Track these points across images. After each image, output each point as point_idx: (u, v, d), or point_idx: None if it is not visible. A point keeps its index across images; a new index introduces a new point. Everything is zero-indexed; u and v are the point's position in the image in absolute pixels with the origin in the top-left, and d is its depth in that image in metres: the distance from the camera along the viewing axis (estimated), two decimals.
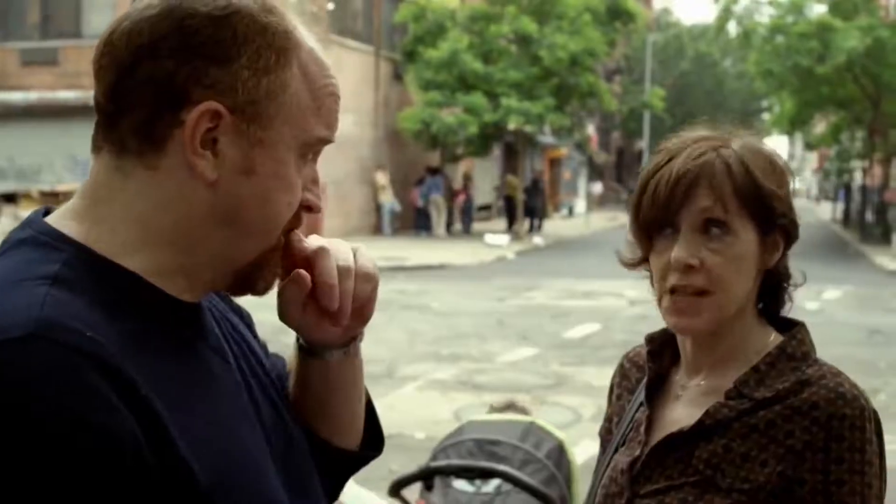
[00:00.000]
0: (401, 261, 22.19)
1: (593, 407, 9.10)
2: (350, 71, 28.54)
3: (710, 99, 52.64)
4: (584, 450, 7.80)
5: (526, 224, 32.51)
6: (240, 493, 1.15)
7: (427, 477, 3.32)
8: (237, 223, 1.18)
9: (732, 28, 37.82)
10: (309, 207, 1.26)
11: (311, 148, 1.24)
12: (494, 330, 13.37)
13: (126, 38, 1.15)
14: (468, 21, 28.85)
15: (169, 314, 1.18)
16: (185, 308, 1.20)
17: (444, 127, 27.85)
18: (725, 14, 33.11)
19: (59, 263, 1.11)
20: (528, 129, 30.51)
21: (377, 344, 12.10)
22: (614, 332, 13.28)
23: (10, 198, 22.77)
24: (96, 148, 1.19)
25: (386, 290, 13.90)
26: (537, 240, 29.97)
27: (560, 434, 3.72)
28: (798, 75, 30.96)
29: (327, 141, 1.25)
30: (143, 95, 1.14)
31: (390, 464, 5.42)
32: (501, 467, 3.24)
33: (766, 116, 53.14)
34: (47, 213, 1.22)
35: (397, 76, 31.07)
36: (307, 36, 1.24)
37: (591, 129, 44.16)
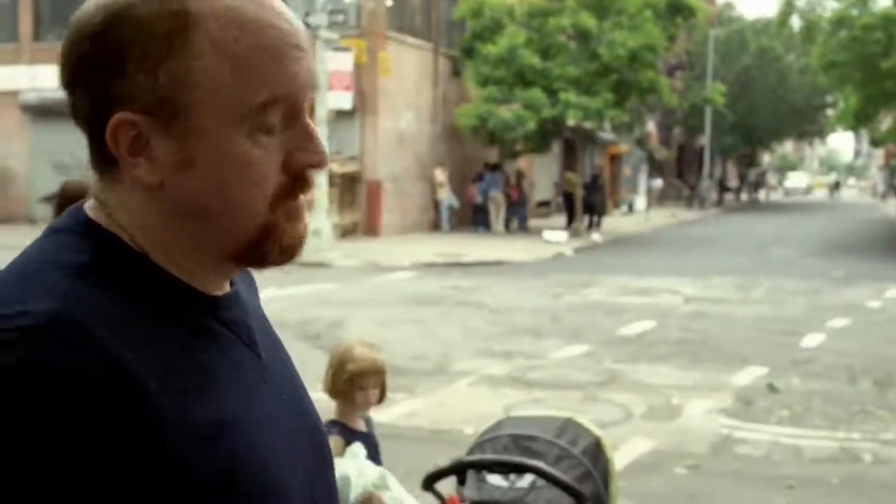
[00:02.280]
0: (457, 257, 22.22)
1: (644, 405, 9.05)
2: (409, 67, 28.64)
3: (772, 94, 51.89)
4: (633, 447, 7.80)
5: (585, 221, 32.38)
6: (245, 495, 1.14)
7: (460, 471, 3.34)
8: (203, 214, 1.16)
9: (795, 22, 37.34)
10: (305, 169, 1.20)
11: (261, 114, 1.15)
12: (549, 326, 13.34)
13: (60, 71, 1.20)
14: (526, 17, 28.78)
15: (193, 307, 1.19)
16: (210, 301, 1.21)
17: (502, 122, 27.82)
18: (788, 8, 32.72)
19: (89, 254, 1.14)
20: (588, 125, 30.38)
21: (430, 340, 12.16)
22: (669, 330, 13.18)
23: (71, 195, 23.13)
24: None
25: (441, 287, 14.16)
26: (596, 236, 29.82)
27: (598, 431, 3.71)
28: (862, 69, 30.48)
29: (279, 100, 1.16)
30: (85, 123, 1.17)
31: (438, 458, 5.44)
32: (533, 462, 3.24)
33: (830, 112, 52.36)
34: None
35: (456, 73, 31.10)
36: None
37: (651, 126, 43.84)
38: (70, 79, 1.16)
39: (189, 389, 1.12)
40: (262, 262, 1.21)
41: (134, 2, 1.13)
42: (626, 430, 8.30)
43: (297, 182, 1.19)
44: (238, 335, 1.24)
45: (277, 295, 15.07)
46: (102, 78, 1.13)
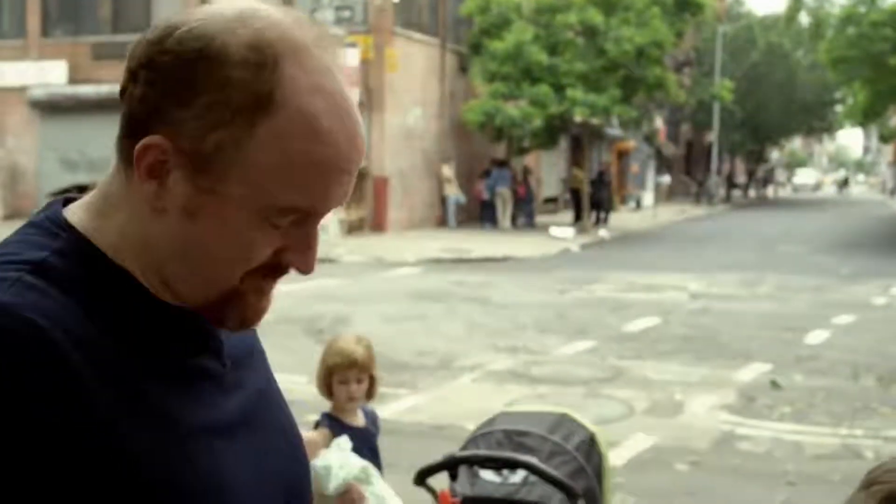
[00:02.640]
0: (464, 253, 22.23)
1: (647, 401, 9.06)
2: (416, 64, 28.64)
3: (781, 91, 51.74)
4: (634, 443, 7.81)
5: (592, 217, 32.36)
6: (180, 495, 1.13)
7: (451, 466, 3.35)
8: (182, 259, 1.16)
9: (804, 18, 37.26)
10: (277, 268, 1.19)
11: (281, 213, 1.15)
12: (553, 322, 13.35)
13: (129, 55, 1.17)
14: (533, 13, 28.75)
15: (156, 316, 1.18)
16: (177, 314, 1.19)
17: (509, 119, 27.82)
18: (796, 4, 32.65)
19: (50, 251, 1.15)
20: (595, 121, 30.36)
21: (434, 335, 12.17)
22: (674, 326, 13.18)
23: (82, 189, 23.18)
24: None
25: (447, 283, 14.15)
26: (603, 232, 29.81)
27: (593, 427, 3.72)
28: (871, 65, 30.41)
29: (303, 211, 1.16)
30: (127, 115, 1.16)
31: (439, 454, 5.45)
32: (524, 458, 3.26)
33: (838, 109, 52.24)
34: (68, 201, 1.25)
35: (463, 69, 31.10)
36: (313, 95, 1.13)
37: (659, 122, 43.79)
38: (136, 72, 1.15)
39: (138, 398, 1.12)
40: (220, 323, 1.20)
41: (233, 53, 1.11)
42: (628, 426, 8.31)
43: (277, 269, 1.19)
44: (201, 346, 1.22)
45: (284, 290, 15.05)
46: (167, 96, 1.12)
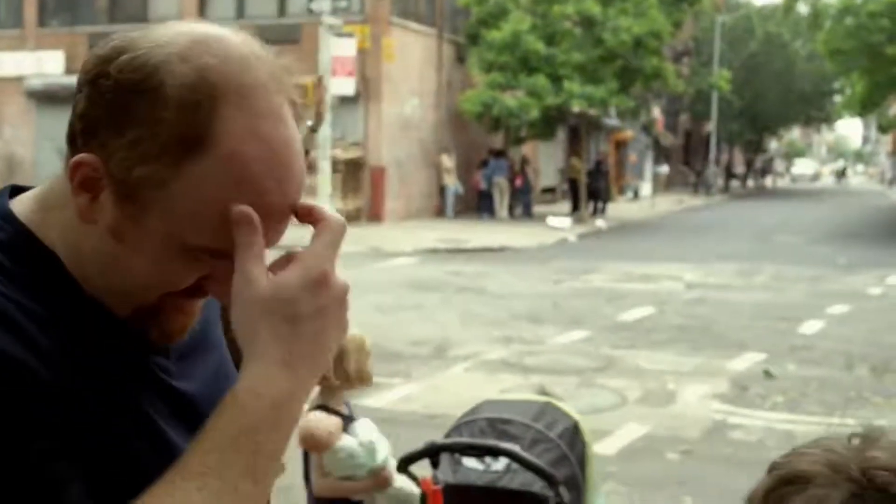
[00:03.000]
0: (460, 243, 22.23)
1: (639, 390, 9.08)
2: (413, 53, 28.61)
3: (779, 81, 51.67)
4: (628, 432, 7.84)
5: (590, 207, 32.35)
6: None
7: (433, 454, 3.36)
8: (107, 274, 1.16)
9: (802, 8, 37.22)
10: (198, 291, 1.19)
11: (202, 252, 1.15)
12: (549, 312, 13.36)
13: (82, 65, 1.17)
14: (531, 3, 28.71)
15: (89, 312, 1.18)
16: (109, 314, 1.19)
17: (506, 109, 27.80)
18: None
19: None
20: (593, 112, 30.36)
21: (429, 325, 12.19)
22: (669, 316, 13.20)
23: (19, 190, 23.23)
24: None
25: (443, 273, 14.16)
26: (600, 223, 29.82)
27: (576, 415, 3.73)
28: (868, 56, 30.39)
29: (220, 251, 1.14)
30: (71, 123, 1.16)
31: None
32: (504, 445, 3.27)
33: (837, 99, 52.17)
34: (16, 190, 1.25)
35: (460, 59, 31.06)
36: (247, 142, 1.11)
37: (657, 112, 43.76)
38: (81, 86, 1.14)
39: (73, 387, 1.12)
40: (142, 332, 1.20)
41: (170, 88, 1.09)
42: (621, 415, 8.33)
43: (197, 293, 1.19)
44: (138, 348, 1.22)
45: None
46: (102, 119, 1.12)
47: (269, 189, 1.12)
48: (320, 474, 3.68)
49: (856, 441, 1.17)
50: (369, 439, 3.73)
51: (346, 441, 3.66)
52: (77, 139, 1.14)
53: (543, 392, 4.23)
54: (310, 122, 4.90)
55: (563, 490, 3.29)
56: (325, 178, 21.88)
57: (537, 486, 3.31)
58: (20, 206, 1.20)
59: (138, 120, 1.10)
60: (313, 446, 3.64)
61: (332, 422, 3.68)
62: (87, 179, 1.13)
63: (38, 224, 1.18)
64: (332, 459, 3.65)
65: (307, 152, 4.24)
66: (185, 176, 1.10)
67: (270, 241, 1.17)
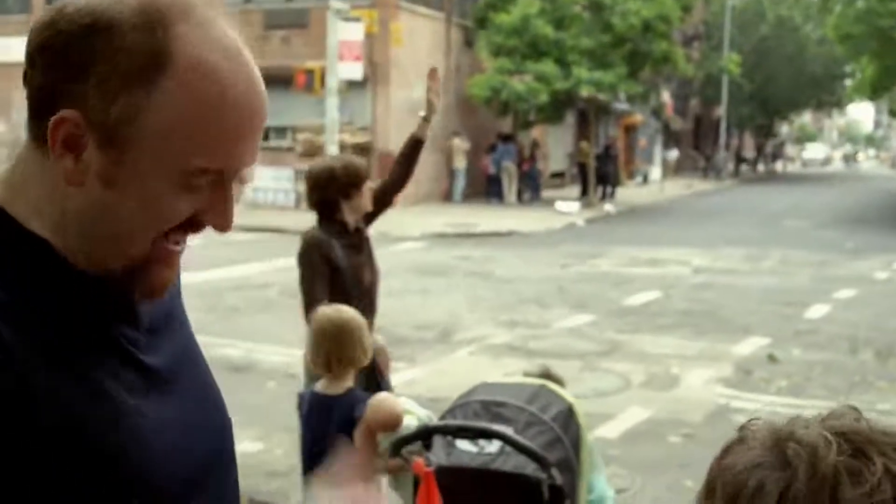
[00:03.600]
0: (468, 227, 22.23)
1: (643, 374, 9.09)
2: (421, 38, 28.55)
3: (790, 64, 51.42)
4: (631, 416, 7.85)
5: (598, 191, 32.30)
6: (117, 479, 1.16)
7: (425, 437, 3.39)
8: (100, 227, 1.18)
9: None
10: (194, 225, 1.23)
11: (193, 176, 1.18)
12: (555, 296, 13.37)
13: (27, 40, 1.20)
14: None
15: (73, 284, 1.20)
16: (89, 279, 1.21)
17: (514, 94, 27.74)
18: None
19: None
20: (602, 96, 30.26)
21: (435, 309, 12.21)
22: (675, 300, 13.20)
23: None
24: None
25: (451, 257, 14.14)
26: (608, 207, 29.76)
27: (571, 398, 3.75)
28: (878, 39, 30.24)
29: (213, 171, 1.18)
30: (30, 97, 1.19)
31: None
32: (495, 428, 3.29)
33: (848, 83, 51.92)
34: None
35: (468, 43, 30.98)
36: (208, 50, 1.15)
37: (666, 96, 43.60)
38: (33, 57, 1.17)
39: (62, 369, 1.14)
40: (128, 288, 1.23)
41: (122, 22, 1.13)
42: (624, 398, 8.35)
43: (191, 227, 1.22)
44: (118, 310, 1.25)
45: (289, 265, 15.07)
46: (65, 74, 1.14)
47: (238, 95, 1.16)
48: (375, 454, 3.68)
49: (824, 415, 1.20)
50: (427, 412, 3.78)
51: (407, 418, 3.71)
52: (41, 110, 1.16)
53: (546, 373, 4.25)
54: (422, 113, 4.99)
55: (555, 472, 3.31)
56: None
57: (530, 468, 3.33)
58: None
59: (99, 59, 1.13)
60: (393, 426, 3.67)
61: (398, 400, 3.73)
62: (69, 137, 1.15)
63: (10, 203, 1.20)
64: (390, 438, 3.67)
65: (421, 142, 4.33)
66: (158, 98, 1.14)
67: (250, 154, 1.21)
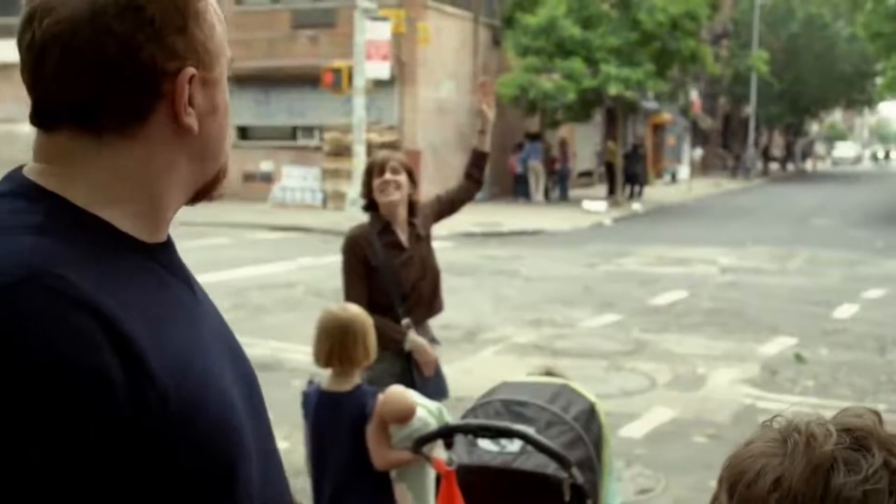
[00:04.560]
0: (495, 227, 22.24)
1: (669, 374, 9.08)
2: (448, 37, 28.58)
3: (820, 62, 51.13)
4: (656, 416, 7.84)
5: (626, 190, 32.22)
6: (210, 409, 1.25)
7: (446, 435, 3.41)
8: (206, 156, 1.34)
9: None
10: None
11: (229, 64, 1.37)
12: (581, 296, 13.36)
13: (69, 18, 1.22)
14: None
15: (140, 253, 1.29)
16: (153, 248, 1.32)
17: (542, 93, 27.71)
18: None
19: (42, 214, 1.22)
20: (629, 94, 30.20)
21: (461, 308, 12.20)
22: (701, 300, 13.15)
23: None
24: (49, 127, 1.28)
25: (477, 256, 14.14)
26: (636, 206, 29.70)
27: (592, 397, 3.76)
28: None
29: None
30: (113, 78, 1.24)
31: None
32: (517, 427, 3.30)
33: (879, 81, 51.52)
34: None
35: (496, 42, 30.98)
36: None
37: (694, 95, 43.43)
38: (131, 39, 1.23)
39: (160, 325, 1.23)
40: (210, 196, 1.39)
41: None
42: (649, 398, 8.33)
43: None
44: (178, 276, 1.36)
45: (316, 263, 15.25)
46: (168, 34, 1.25)
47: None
48: (388, 447, 3.71)
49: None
50: (436, 405, 3.80)
51: (419, 411, 3.74)
52: (152, 80, 1.26)
53: (549, 373, 4.25)
54: (478, 127, 5.09)
55: (576, 472, 3.32)
56: (360, 162, 21.94)
57: (551, 467, 3.34)
58: (41, 181, 1.28)
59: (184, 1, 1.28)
60: (406, 418, 3.70)
61: (410, 392, 3.76)
62: (191, 92, 1.29)
63: (67, 191, 1.26)
64: (403, 430, 3.70)
65: (484, 154, 4.44)
66: (209, 12, 1.32)
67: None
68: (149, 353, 1.18)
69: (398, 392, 3.71)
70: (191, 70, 1.26)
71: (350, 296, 4.73)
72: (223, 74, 1.33)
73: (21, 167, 1.32)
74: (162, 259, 1.33)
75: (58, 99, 1.25)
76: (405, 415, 3.64)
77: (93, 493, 1.14)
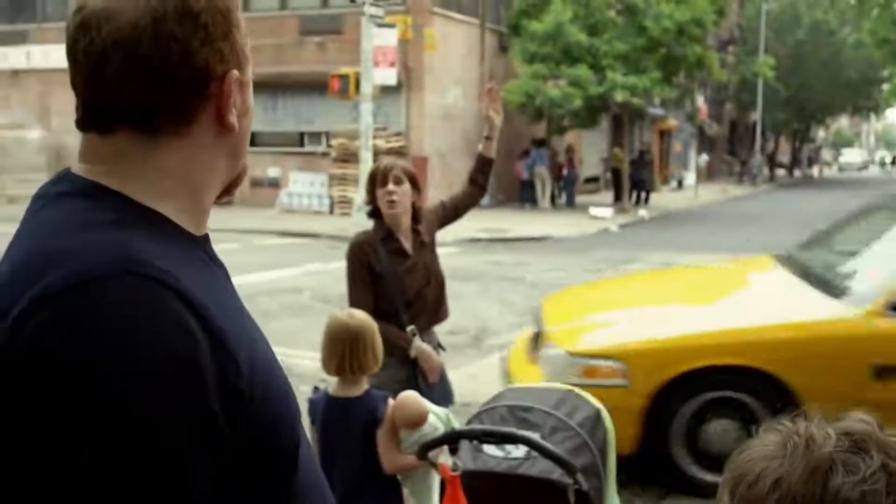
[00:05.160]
0: (501, 233, 22.27)
1: None
2: (455, 44, 28.63)
3: (826, 69, 51.06)
4: None
5: (632, 197, 32.24)
6: (274, 392, 1.32)
7: (451, 441, 3.42)
8: (239, 154, 1.42)
9: None
10: None
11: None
12: None
13: (131, 24, 1.28)
14: None
15: (193, 246, 1.35)
16: (200, 241, 1.38)
17: (548, 100, 27.75)
18: None
19: (113, 211, 1.28)
20: (636, 101, 30.24)
21: (466, 314, 12.24)
22: None
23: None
24: (105, 128, 1.33)
25: (482, 262, 14.12)
26: (642, 212, 29.71)
27: (598, 403, 3.77)
28: None
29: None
30: (172, 81, 1.30)
31: None
32: (521, 433, 3.31)
33: (885, 87, 51.51)
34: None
35: (502, 48, 31.04)
36: None
37: (700, 101, 43.47)
38: (189, 44, 1.30)
39: (231, 313, 1.29)
40: (231, 193, 1.46)
41: None
42: None
43: None
44: (221, 268, 1.42)
45: (323, 269, 15.27)
46: (218, 40, 1.32)
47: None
48: (398, 452, 3.73)
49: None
50: (444, 411, 3.82)
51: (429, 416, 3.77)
52: (203, 82, 1.33)
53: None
54: (485, 133, 5.10)
55: (581, 478, 3.33)
56: (366, 168, 21.98)
57: (556, 473, 3.36)
58: (102, 181, 1.33)
59: (230, 8, 1.36)
60: (419, 423, 3.72)
61: (420, 398, 3.79)
62: (234, 94, 1.36)
63: (128, 191, 1.31)
64: (412, 435, 3.72)
65: (489, 160, 4.51)
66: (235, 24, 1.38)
67: None
68: (231, 339, 1.23)
69: (411, 397, 3.73)
70: (235, 73, 1.34)
71: (355, 302, 4.75)
72: (249, 78, 1.41)
73: (67, 169, 1.36)
74: (209, 250, 1.40)
75: (118, 102, 1.30)
76: (418, 420, 3.66)
77: (188, 479, 1.17)
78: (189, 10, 1.29)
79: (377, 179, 4.88)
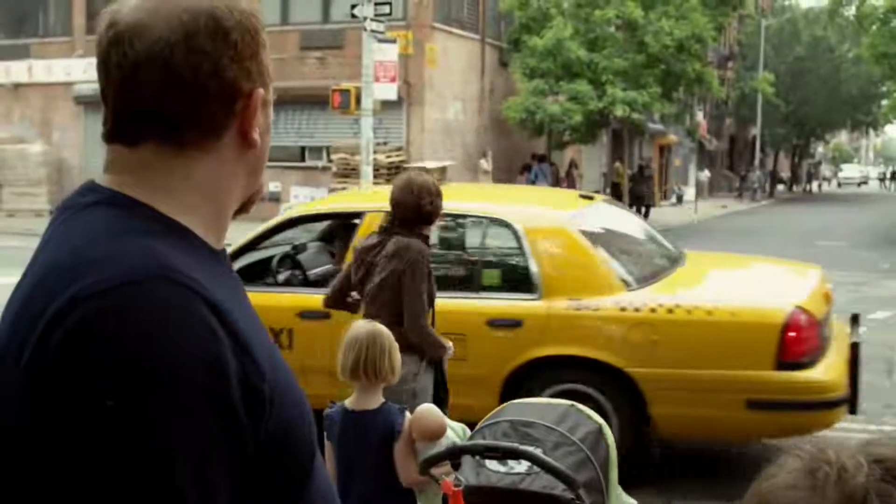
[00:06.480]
0: None
1: None
2: (456, 59, 28.69)
3: (825, 84, 51.13)
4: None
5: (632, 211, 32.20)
6: (290, 399, 1.34)
7: (454, 456, 3.43)
8: (258, 170, 1.45)
9: (848, 11, 36.90)
10: None
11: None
12: None
13: (164, 39, 1.31)
14: (573, 8, 28.71)
15: (214, 259, 1.38)
16: (220, 254, 1.41)
17: (549, 115, 27.79)
18: None
19: (143, 219, 1.31)
20: (635, 116, 30.30)
21: None
22: None
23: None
24: (133, 140, 1.36)
25: None
26: None
27: (600, 419, 3.79)
28: None
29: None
30: (202, 95, 1.33)
31: None
32: (523, 448, 3.33)
33: (884, 102, 51.58)
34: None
35: (503, 63, 31.10)
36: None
37: (700, 116, 43.54)
38: (219, 60, 1.34)
39: (251, 321, 1.33)
40: (247, 210, 1.48)
41: (244, 4, 1.38)
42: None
43: None
44: (238, 281, 1.45)
45: None
46: (247, 58, 1.36)
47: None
48: (416, 465, 3.73)
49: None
50: (461, 425, 3.84)
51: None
52: (231, 99, 1.36)
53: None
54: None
55: (583, 493, 3.35)
56: (367, 183, 22.01)
57: (559, 489, 3.37)
58: (120, 188, 1.36)
59: (258, 28, 1.40)
60: (438, 436, 3.73)
61: (438, 411, 3.80)
62: (257, 112, 1.39)
63: (155, 203, 1.34)
64: (430, 448, 3.72)
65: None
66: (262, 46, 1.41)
67: None
68: (253, 343, 1.26)
69: (430, 410, 3.75)
70: (261, 91, 1.38)
71: (419, 307, 4.89)
72: (273, 97, 1.44)
73: (92, 181, 1.39)
74: (228, 263, 1.44)
75: (147, 114, 1.33)
76: (436, 433, 3.68)
77: (211, 482, 1.20)
78: (220, 28, 1.32)
79: (434, 191, 5.15)
